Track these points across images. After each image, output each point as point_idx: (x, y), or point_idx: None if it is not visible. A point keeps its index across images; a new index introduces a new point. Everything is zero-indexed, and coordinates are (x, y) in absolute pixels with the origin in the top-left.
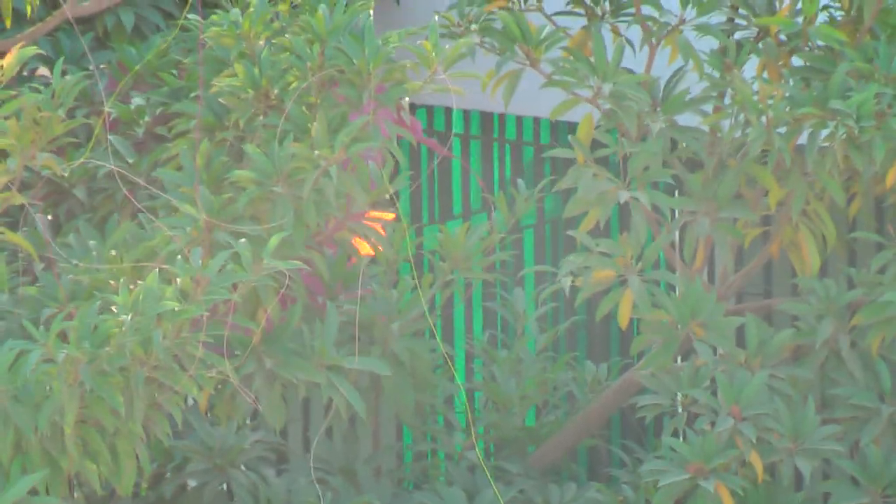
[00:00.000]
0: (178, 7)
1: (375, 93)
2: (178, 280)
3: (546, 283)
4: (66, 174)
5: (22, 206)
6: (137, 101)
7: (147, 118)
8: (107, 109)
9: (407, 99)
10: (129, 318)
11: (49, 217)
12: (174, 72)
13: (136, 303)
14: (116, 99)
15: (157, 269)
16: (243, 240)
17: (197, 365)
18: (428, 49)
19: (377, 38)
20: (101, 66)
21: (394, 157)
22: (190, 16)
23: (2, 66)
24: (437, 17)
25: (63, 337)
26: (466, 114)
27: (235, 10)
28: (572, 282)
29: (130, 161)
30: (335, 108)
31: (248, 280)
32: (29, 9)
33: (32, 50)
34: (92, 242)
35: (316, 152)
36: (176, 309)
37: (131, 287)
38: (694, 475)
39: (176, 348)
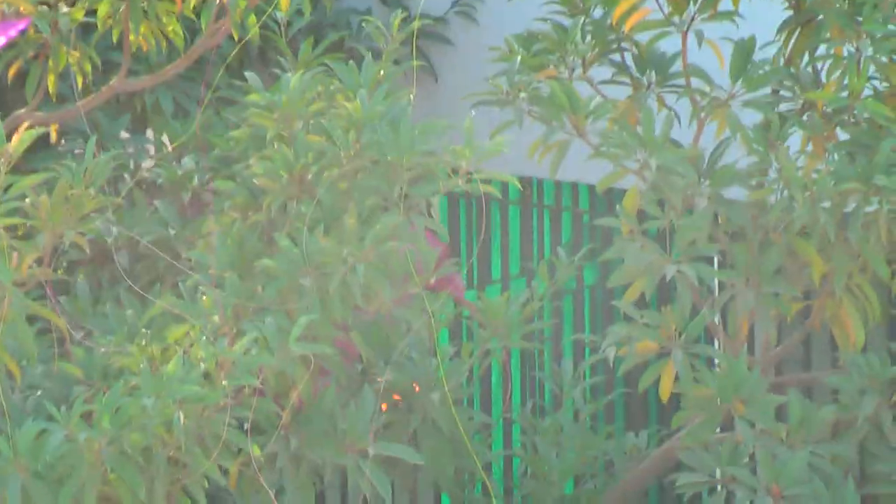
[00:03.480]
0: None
1: (408, 186)
2: (203, 364)
3: (587, 351)
4: (108, 240)
5: (63, 271)
6: (187, 161)
7: (195, 182)
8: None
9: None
10: (152, 401)
11: (88, 281)
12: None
13: (159, 386)
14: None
15: (181, 352)
16: (269, 319)
17: (221, 448)
18: (461, 151)
19: (414, 130)
20: (142, 146)
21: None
22: (247, 79)
23: (9, 151)
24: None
25: (87, 415)
26: None
27: (278, 93)
28: (616, 352)
29: (173, 231)
30: (367, 198)
31: (274, 364)
32: (80, 81)
33: (33, 134)
34: (130, 312)
35: (345, 249)
36: (199, 393)
37: (154, 369)
38: None
39: (199, 430)
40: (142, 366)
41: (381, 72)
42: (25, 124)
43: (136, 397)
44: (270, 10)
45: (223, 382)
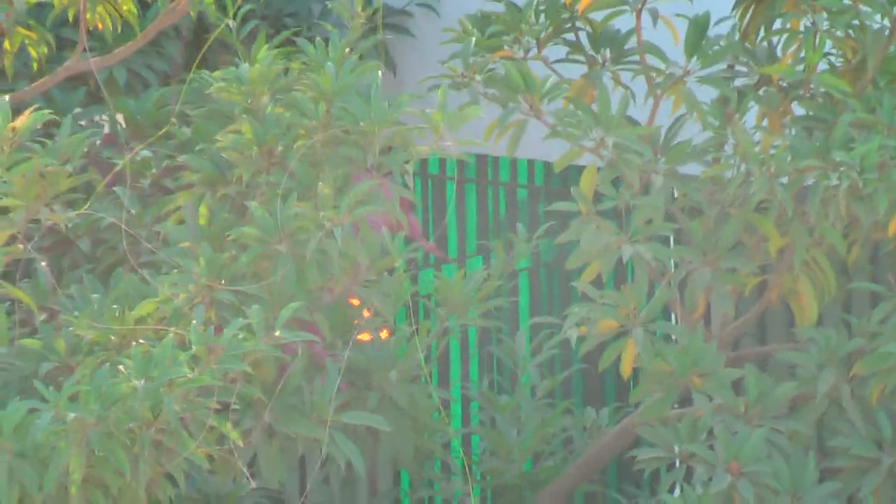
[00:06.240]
0: (169, 65)
1: (380, 154)
2: (193, 346)
3: (543, 328)
4: (69, 226)
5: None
6: (144, 153)
7: (154, 171)
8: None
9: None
10: (142, 382)
11: (49, 267)
12: (174, 122)
13: (149, 367)
14: (118, 151)
15: (170, 334)
16: (256, 307)
17: (206, 432)
18: (436, 118)
19: (384, 100)
20: (97, 119)
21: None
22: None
23: (15, 129)
24: (441, 66)
25: (72, 394)
26: None
27: (244, 66)
28: (577, 333)
29: (134, 213)
30: (340, 168)
31: (258, 350)
32: (35, 65)
33: (45, 114)
34: (95, 295)
35: (321, 213)
36: (189, 376)
37: (126, 346)
38: None
39: (184, 413)
40: (133, 345)
41: (348, 49)
42: (34, 107)
43: (124, 378)
44: None
45: (213, 366)
